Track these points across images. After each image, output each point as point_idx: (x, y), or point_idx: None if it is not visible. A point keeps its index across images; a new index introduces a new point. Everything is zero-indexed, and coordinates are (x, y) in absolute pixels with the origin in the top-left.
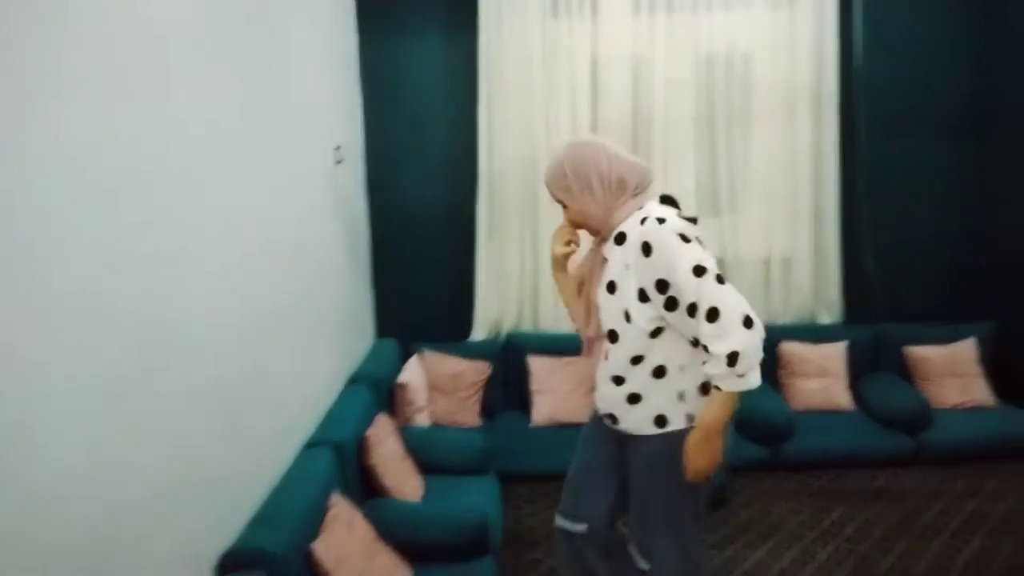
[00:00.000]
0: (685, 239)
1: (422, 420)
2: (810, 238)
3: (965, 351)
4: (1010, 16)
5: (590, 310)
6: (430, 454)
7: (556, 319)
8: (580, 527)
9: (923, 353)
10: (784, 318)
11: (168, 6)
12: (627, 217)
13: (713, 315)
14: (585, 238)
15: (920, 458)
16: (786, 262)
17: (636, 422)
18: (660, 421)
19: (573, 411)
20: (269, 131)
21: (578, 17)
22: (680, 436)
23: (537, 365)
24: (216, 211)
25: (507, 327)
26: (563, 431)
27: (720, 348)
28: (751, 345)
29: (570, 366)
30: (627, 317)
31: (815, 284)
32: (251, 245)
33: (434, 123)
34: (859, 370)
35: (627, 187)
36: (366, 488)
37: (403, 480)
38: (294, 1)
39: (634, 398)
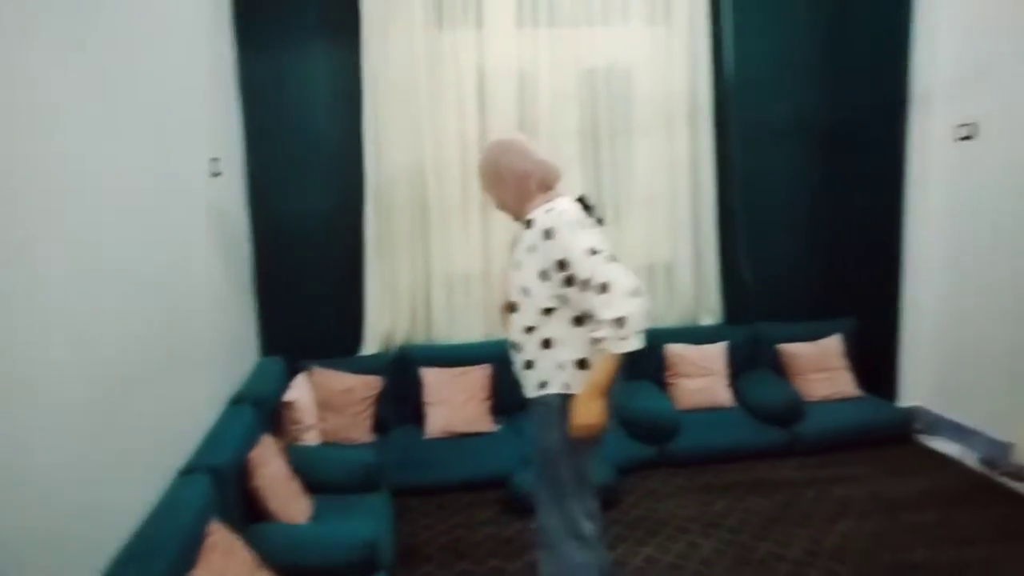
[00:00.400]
0: (581, 227)
1: (311, 439)
2: (690, 245)
3: (831, 347)
4: (856, 39)
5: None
6: (318, 473)
7: (449, 330)
8: None
9: (794, 350)
10: (668, 321)
11: (20, 7)
12: (538, 207)
13: (604, 288)
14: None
15: (794, 448)
16: (669, 268)
17: (529, 387)
18: (543, 385)
19: (468, 421)
20: (134, 144)
21: (462, 29)
22: (556, 400)
23: (430, 377)
24: (76, 227)
25: (399, 340)
26: (458, 442)
27: (608, 314)
28: (636, 311)
29: (464, 376)
30: (526, 292)
31: (696, 288)
32: (115, 262)
33: (319, 135)
34: (738, 368)
35: (531, 180)
36: (250, 512)
37: (289, 502)
38: (164, 12)
39: (528, 364)
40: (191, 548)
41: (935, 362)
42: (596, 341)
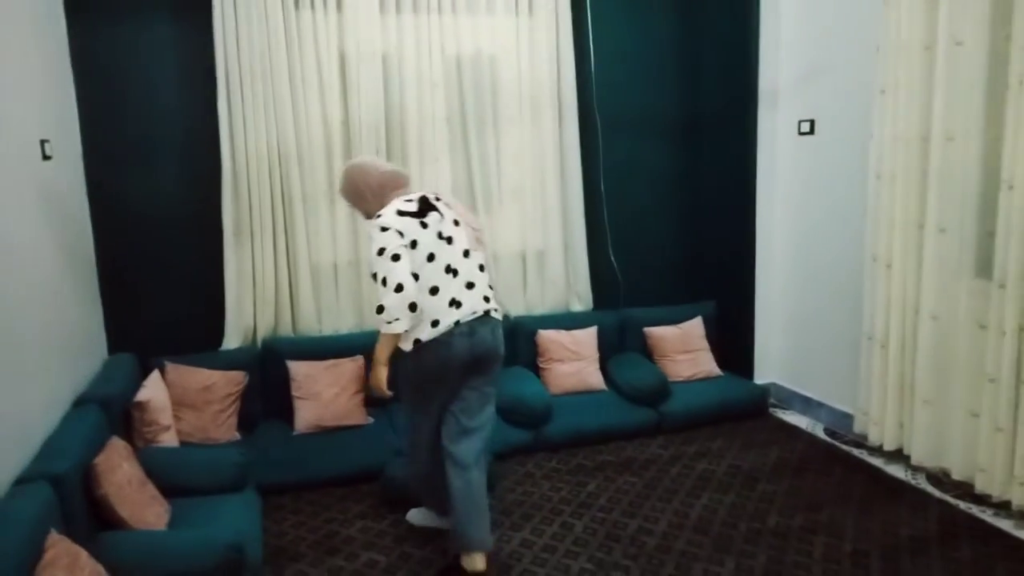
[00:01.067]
0: (384, 229)
1: (168, 440)
2: (560, 233)
3: (694, 329)
4: (708, 39)
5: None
6: (176, 476)
7: (318, 321)
8: None
9: (660, 333)
10: (541, 308)
11: None
12: (384, 207)
13: (383, 282)
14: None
15: (662, 427)
16: (540, 256)
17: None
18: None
19: (339, 415)
20: None
21: (322, 10)
22: (403, 355)
23: (299, 370)
24: None
25: (263, 333)
26: (330, 436)
27: (378, 303)
28: (394, 304)
29: (335, 369)
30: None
31: (567, 275)
32: None
33: (166, 114)
34: (608, 352)
35: (386, 190)
36: (99, 522)
37: (143, 508)
38: None
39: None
40: (25, 565)
41: (785, 340)
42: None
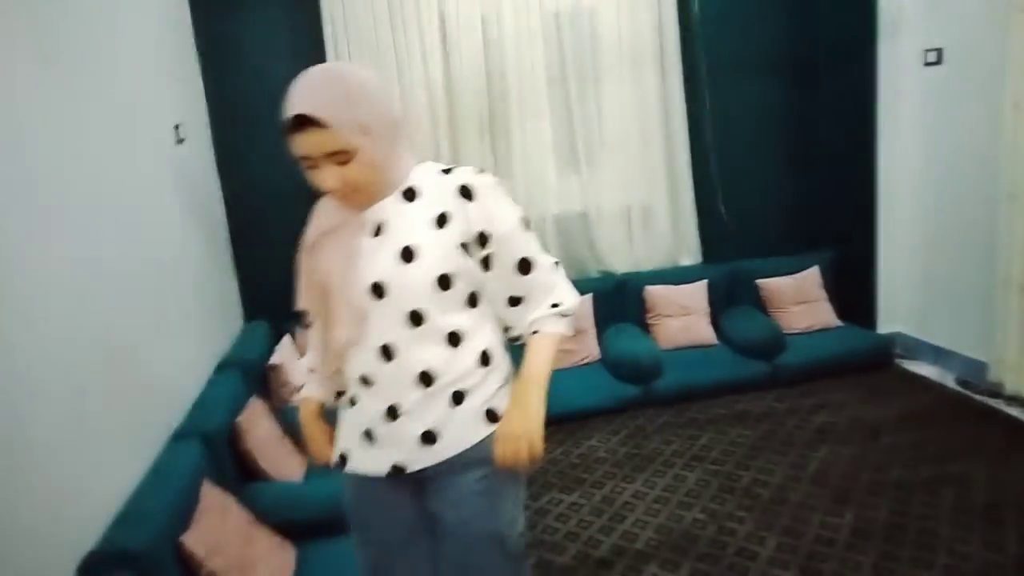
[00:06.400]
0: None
1: None
2: (665, 187)
3: (810, 279)
4: None
5: (353, 313)
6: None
7: None
8: None
9: (773, 285)
10: (648, 264)
11: None
12: (409, 170)
13: (550, 266)
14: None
15: (777, 380)
16: (645, 211)
17: (463, 428)
18: (492, 415)
19: None
20: (87, 116)
21: None
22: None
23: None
24: (35, 208)
25: None
26: None
27: (566, 297)
28: (576, 296)
29: None
30: (445, 282)
31: (674, 229)
32: (94, 240)
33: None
34: (718, 306)
35: (406, 132)
36: (244, 474)
37: (281, 462)
38: None
39: (459, 397)
40: (185, 510)
41: (911, 288)
42: (537, 326)
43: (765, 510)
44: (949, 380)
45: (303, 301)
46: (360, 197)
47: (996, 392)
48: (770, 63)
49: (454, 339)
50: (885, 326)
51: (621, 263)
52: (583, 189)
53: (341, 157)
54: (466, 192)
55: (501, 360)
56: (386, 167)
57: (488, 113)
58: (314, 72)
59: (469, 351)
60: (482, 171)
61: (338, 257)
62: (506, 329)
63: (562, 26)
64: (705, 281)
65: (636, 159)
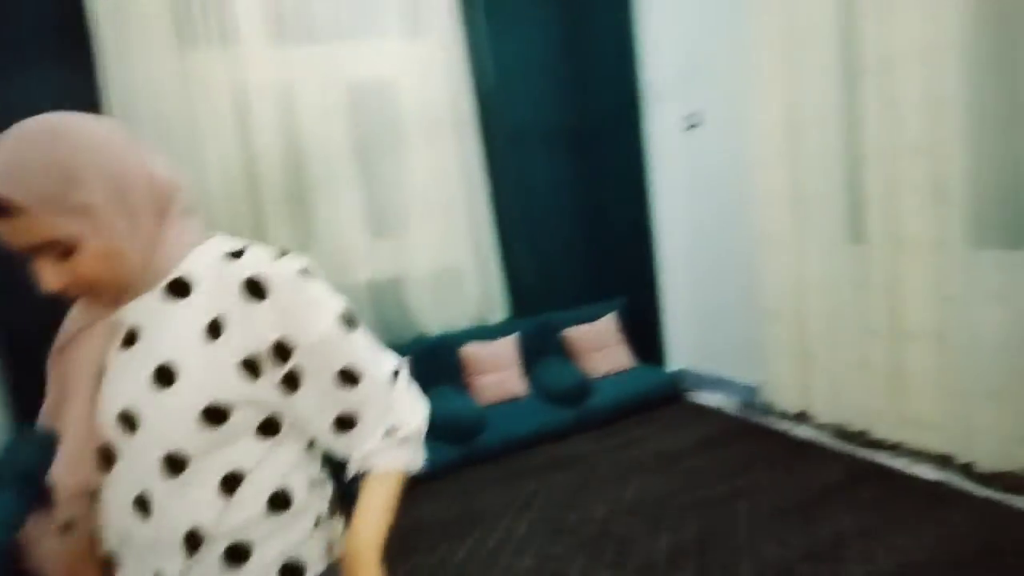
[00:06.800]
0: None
1: None
2: (472, 249)
3: (607, 325)
4: (591, 44)
5: (88, 452)
6: None
7: None
8: None
9: (576, 334)
10: (461, 324)
11: None
12: (182, 254)
13: (392, 377)
14: None
15: (586, 423)
16: (455, 273)
17: None
18: (294, 572)
19: None
20: None
21: (215, 46)
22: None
23: None
24: None
25: None
26: None
27: (408, 417)
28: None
29: None
30: (217, 416)
31: (482, 289)
32: None
33: None
34: (530, 358)
35: (174, 202)
36: None
37: None
38: None
39: (236, 553)
40: None
41: (693, 326)
42: (366, 462)
43: (592, 546)
44: (732, 405)
45: (48, 417)
46: (105, 293)
47: (770, 411)
48: (557, 131)
49: (230, 483)
50: (675, 363)
51: (434, 325)
52: (394, 255)
53: (59, 248)
54: (255, 289)
55: (311, 499)
56: (134, 254)
57: (291, 183)
58: (8, 135)
59: (252, 496)
60: (283, 254)
61: (79, 372)
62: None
63: (363, 98)
64: (515, 335)
65: (443, 224)
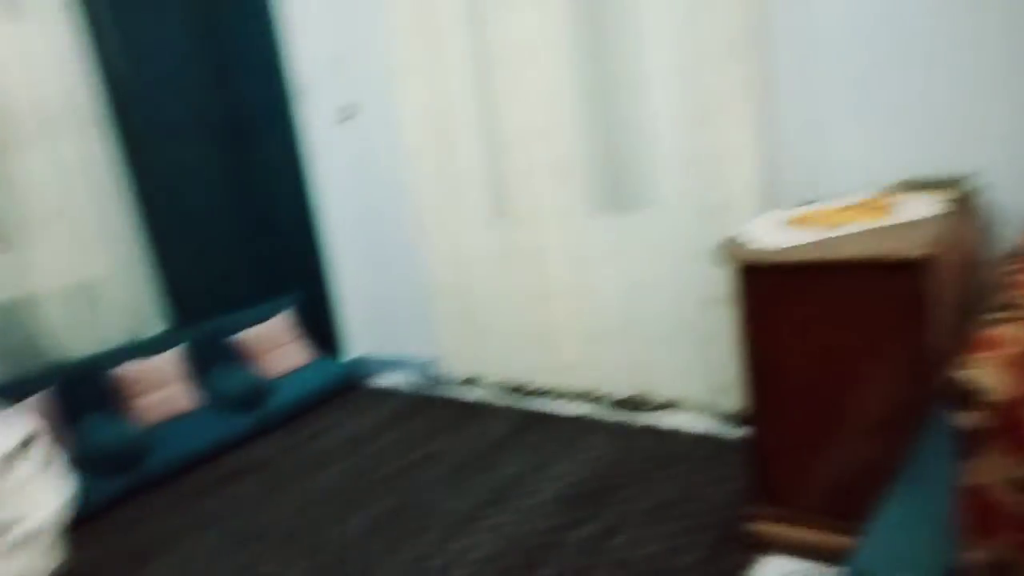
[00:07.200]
0: None
1: None
2: (118, 256)
3: (281, 323)
4: (235, 36)
5: None
6: None
7: None
8: None
9: (249, 336)
10: (111, 342)
11: None
12: None
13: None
14: None
15: (268, 425)
16: (96, 285)
17: None
18: None
19: None
20: None
21: None
22: None
23: None
24: None
25: None
26: None
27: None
28: None
29: None
30: None
31: (132, 301)
32: None
33: None
34: (199, 368)
35: None
36: None
37: None
38: None
39: None
40: None
41: (368, 312)
42: None
43: (284, 544)
44: (411, 383)
45: None
46: None
47: (445, 381)
48: (209, 125)
49: None
50: (355, 351)
51: (77, 348)
52: (12, 272)
53: None
54: None
55: None
56: None
57: None
58: None
59: None
60: None
61: None
62: None
63: None
64: (180, 347)
65: (74, 231)
